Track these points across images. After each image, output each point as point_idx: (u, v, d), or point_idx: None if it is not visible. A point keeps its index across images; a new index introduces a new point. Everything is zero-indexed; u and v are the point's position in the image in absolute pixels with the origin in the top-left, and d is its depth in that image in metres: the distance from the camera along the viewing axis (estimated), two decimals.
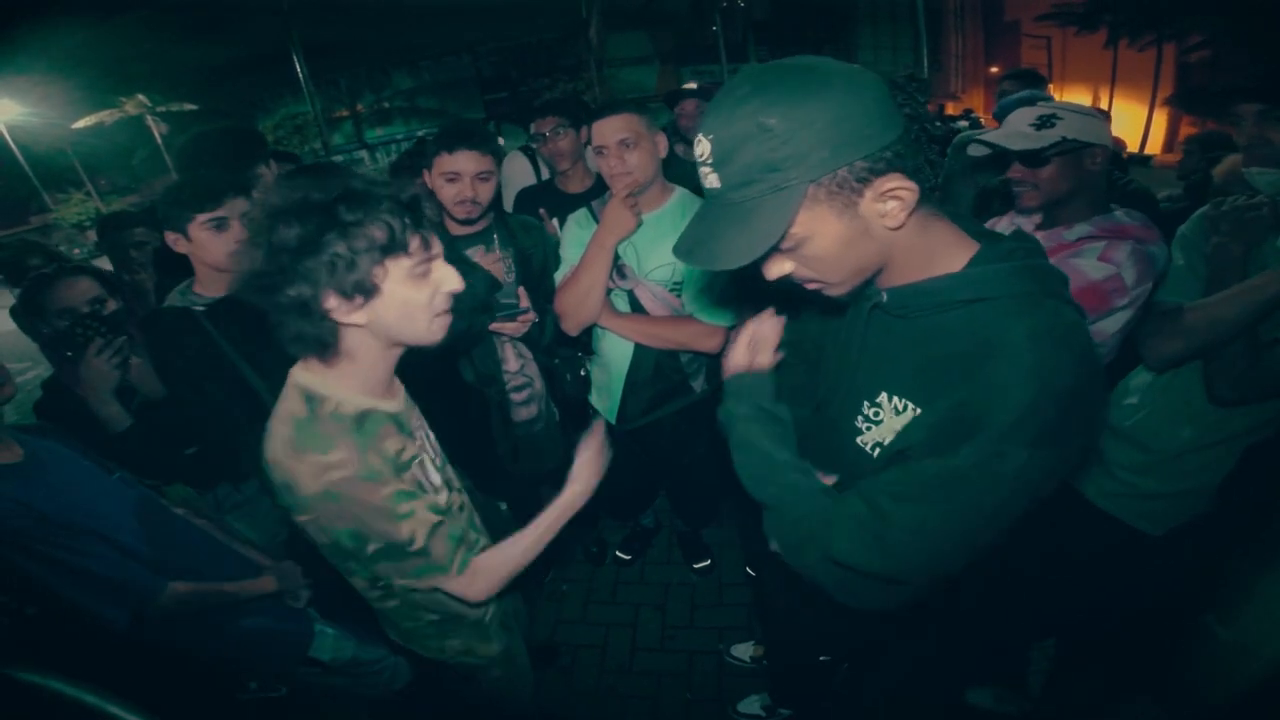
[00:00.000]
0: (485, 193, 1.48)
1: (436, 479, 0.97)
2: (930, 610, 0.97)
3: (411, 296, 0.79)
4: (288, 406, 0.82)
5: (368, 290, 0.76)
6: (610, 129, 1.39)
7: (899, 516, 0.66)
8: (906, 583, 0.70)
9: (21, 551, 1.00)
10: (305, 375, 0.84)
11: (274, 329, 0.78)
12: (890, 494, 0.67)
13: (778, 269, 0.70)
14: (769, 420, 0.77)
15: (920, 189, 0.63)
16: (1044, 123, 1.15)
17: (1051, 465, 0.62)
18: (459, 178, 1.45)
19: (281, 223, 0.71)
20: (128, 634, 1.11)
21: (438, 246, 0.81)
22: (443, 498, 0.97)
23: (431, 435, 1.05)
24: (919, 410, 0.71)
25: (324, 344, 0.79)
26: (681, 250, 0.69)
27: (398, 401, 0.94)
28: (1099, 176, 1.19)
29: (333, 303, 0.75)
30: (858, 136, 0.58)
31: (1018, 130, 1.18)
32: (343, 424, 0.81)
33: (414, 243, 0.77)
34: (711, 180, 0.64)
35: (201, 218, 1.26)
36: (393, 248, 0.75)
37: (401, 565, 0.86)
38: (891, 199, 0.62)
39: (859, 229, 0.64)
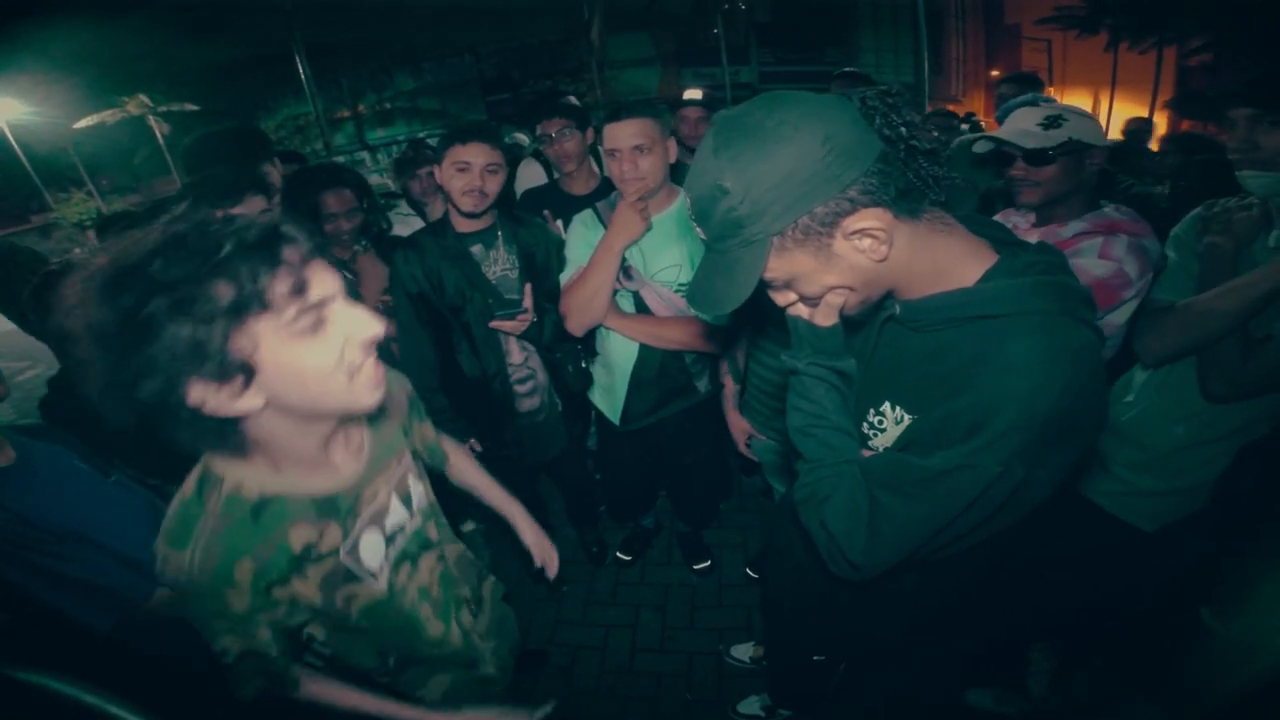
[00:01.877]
0: (493, 185, 1.51)
1: (375, 561, 0.81)
2: (931, 611, 0.97)
3: (306, 362, 0.60)
4: (186, 483, 0.71)
5: (237, 369, 0.57)
6: (625, 133, 1.39)
7: (881, 503, 0.69)
8: (872, 565, 0.73)
9: (3, 557, 1.00)
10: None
11: (160, 435, 0.61)
12: (879, 483, 0.70)
13: (783, 299, 0.74)
14: (835, 377, 0.76)
15: (908, 210, 0.63)
16: (1051, 123, 1.17)
17: (1024, 482, 0.63)
18: (469, 168, 1.47)
19: (98, 300, 0.54)
20: (111, 640, 1.10)
21: (330, 283, 0.62)
22: (383, 580, 0.82)
23: (414, 490, 0.91)
24: (914, 417, 0.72)
25: (224, 439, 0.64)
26: (688, 296, 0.75)
27: (345, 472, 0.78)
28: (1095, 177, 1.22)
29: (199, 395, 0.57)
30: (812, 184, 0.59)
31: (1025, 129, 1.20)
32: (233, 514, 0.68)
33: (280, 289, 0.57)
34: (699, 233, 0.69)
35: (219, 215, 1.26)
36: (247, 305, 0.55)
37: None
38: (865, 236, 0.63)
39: (842, 265, 0.65)
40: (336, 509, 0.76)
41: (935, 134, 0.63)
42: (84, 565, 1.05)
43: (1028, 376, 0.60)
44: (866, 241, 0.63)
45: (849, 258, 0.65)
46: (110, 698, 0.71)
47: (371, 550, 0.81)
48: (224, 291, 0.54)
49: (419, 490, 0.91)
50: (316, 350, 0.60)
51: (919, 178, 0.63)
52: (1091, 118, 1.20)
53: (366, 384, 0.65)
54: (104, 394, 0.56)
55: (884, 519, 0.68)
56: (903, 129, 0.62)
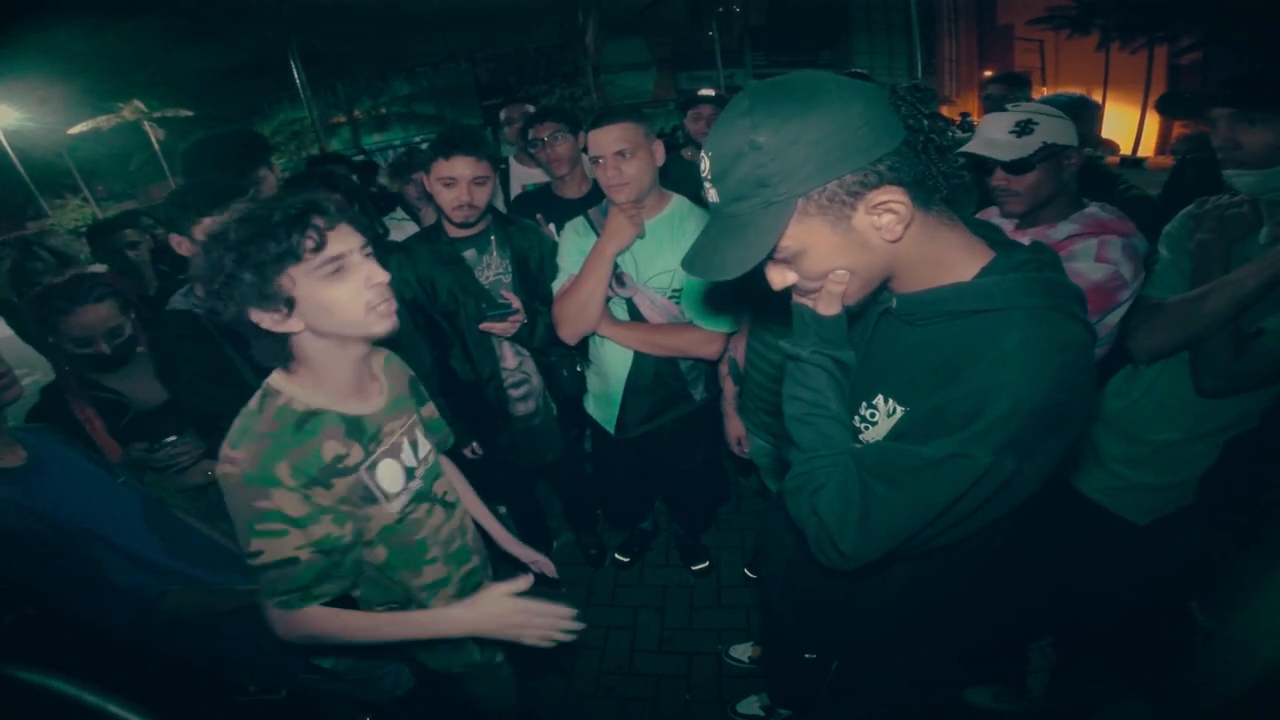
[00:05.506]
0: (481, 197, 1.51)
1: (394, 485, 0.98)
2: (922, 609, 0.98)
3: (331, 296, 0.82)
4: (250, 400, 0.90)
5: (282, 300, 0.80)
6: (607, 139, 1.39)
7: (873, 491, 0.69)
8: (860, 555, 0.73)
9: (22, 554, 1.00)
10: (274, 376, 0.91)
11: (248, 346, 0.88)
12: (872, 471, 0.70)
13: (780, 279, 0.73)
14: (836, 367, 0.76)
15: (921, 199, 0.64)
16: (1023, 129, 1.14)
17: (1014, 474, 0.64)
18: (455, 183, 1.47)
19: (202, 252, 0.80)
20: (127, 638, 1.11)
21: (349, 242, 0.84)
22: (396, 505, 0.98)
23: (420, 443, 1.07)
24: (906, 409, 0.73)
25: (279, 355, 0.88)
26: (685, 261, 0.72)
27: (369, 404, 0.98)
28: (1075, 176, 1.20)
29: (257, 316, 0.81)
30: (846, 151, 0.59)
31: (998, 139, 1.16)
32: (282, 421, 0.86)
33: (307, 246, 0.79)
34: (712, 195, 0.67)
35: (206, 221, 1.27)
36: (286, 258, 0.78)
37: (252, 576, 0.86)
38: (886, 212, 0.63)
39: (855, 241, 0.66)
40: (363, 431, 0.94)
41: (952, 134, 0.65)
42: (100, 564, 1.05)
43: (1020, 368, 0.60)
44: (886, 218, 0.63)
45: (864, 234, 0.65)
46: (110, 697, 0.71)
47: (390, 476, 0.97)
48: (271, 247, 0.77)
49: (426, 446, 1.08)
50: (337, 289, 0.83)
51: (934, 171, 0.65)
52: (1061, 116, 1.15)
53: (378, 316, 0.87)
54: (203, 307, 0.81)
55: (876, 507, 0.69)
56: (925, 122, 0.63)
